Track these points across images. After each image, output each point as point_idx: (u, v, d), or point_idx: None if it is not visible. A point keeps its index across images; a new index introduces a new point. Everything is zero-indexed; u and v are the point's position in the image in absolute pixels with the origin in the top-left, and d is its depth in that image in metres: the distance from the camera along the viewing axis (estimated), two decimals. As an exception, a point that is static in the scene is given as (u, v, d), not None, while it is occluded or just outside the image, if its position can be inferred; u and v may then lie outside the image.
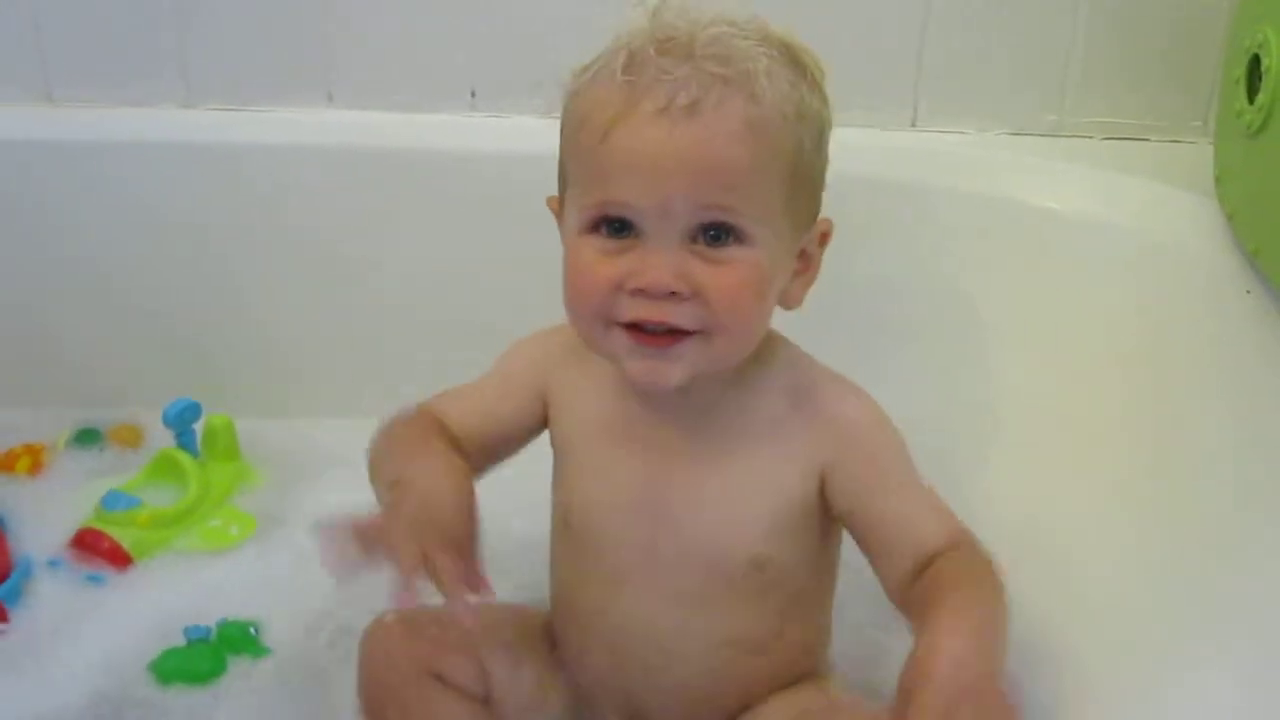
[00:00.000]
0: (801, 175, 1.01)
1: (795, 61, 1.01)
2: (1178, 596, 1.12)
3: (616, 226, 0.99)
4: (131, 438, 1.72)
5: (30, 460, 1.67)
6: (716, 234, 0.98)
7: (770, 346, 1.10)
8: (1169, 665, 1.05)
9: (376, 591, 1.33)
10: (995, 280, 1.55)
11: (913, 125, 1.71)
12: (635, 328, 0.99)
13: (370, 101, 1.75)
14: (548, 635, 1.22)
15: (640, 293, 0.98)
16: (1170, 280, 1.41)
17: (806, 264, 1.07)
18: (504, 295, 1.57)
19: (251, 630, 1.38)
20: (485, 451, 1.15)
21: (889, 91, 1.69)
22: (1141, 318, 1.40)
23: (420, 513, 1.00)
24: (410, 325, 1.76)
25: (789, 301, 1.07)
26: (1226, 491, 1.16)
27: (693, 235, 0.97)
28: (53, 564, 1.47)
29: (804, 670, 1.17)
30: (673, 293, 0.97)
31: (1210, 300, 1.35)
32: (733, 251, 0.98)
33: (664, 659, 1.13)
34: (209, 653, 1.34)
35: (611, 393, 1.11)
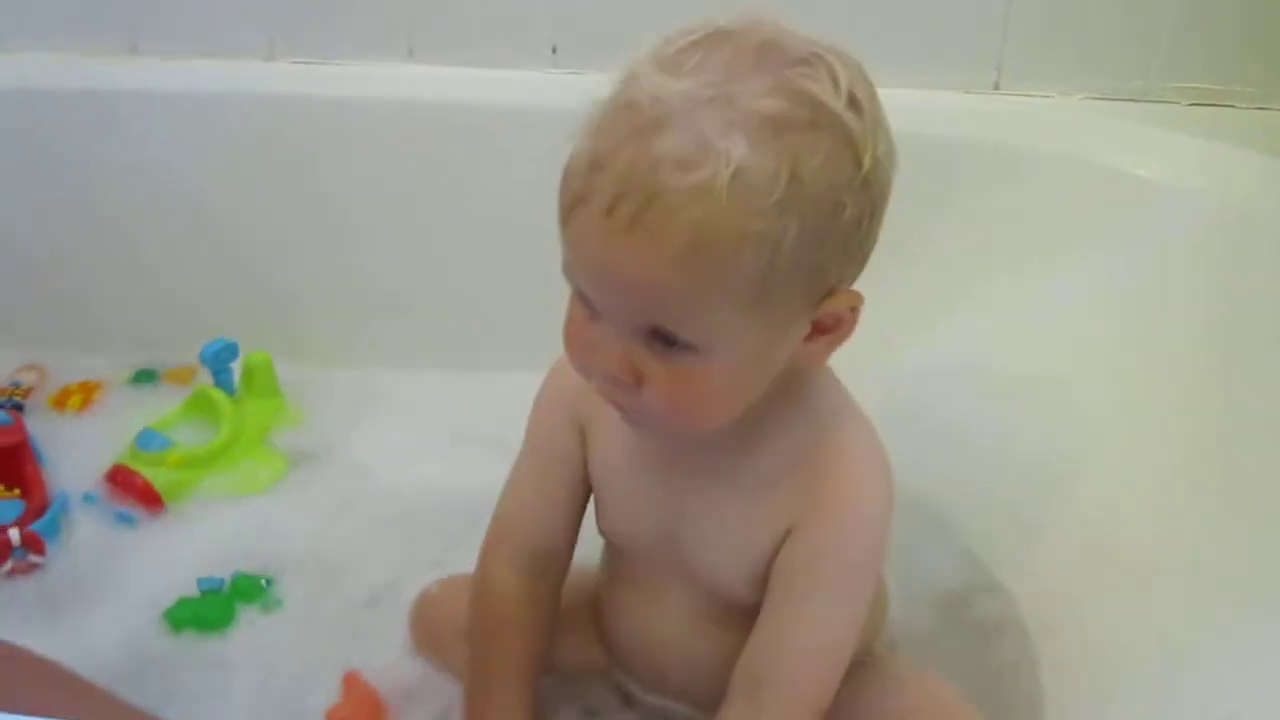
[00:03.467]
0: (781, 273, 0.89)
1: (807, 129, 0.88)
2: (1249, 577, 1.11)
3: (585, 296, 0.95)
4: (185, 377, 1.75)
5: (82, 398, 1.71)
6: (666, 337, 0.92)
7: (799, 392, 1.04)
8: (1233, 648, 1.05)
9: (393, 552, 1.41)
10: (1076, 245, 1.54)
11: (996, 88, 1.69)
12: None
13: (451, 57, 1.75)
14: (595, 600, 1.24)
15: (598, 371, 0.96)
16: (1254, 246, 1.39)
17: (836, 323, 0.97)
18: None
19: (264, 583, 1.40)
20: (572, 526, 1.18)
21: (972, 53, 1.68)
22: (1224, 284, 1.39)
23: None
24: (487, 280, 1.77)
25: (809, 361, 1.00)
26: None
27: (644, 332, 0.92)
28: (87, 498, 1.50)
29: None
30: (617, 380, 0.95)
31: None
32: (684, 356, 0.92)
33: (690, 659, 1.16)
34: (220, 602, 1.37)
35: (630, 430, 1.08)
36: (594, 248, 0.90)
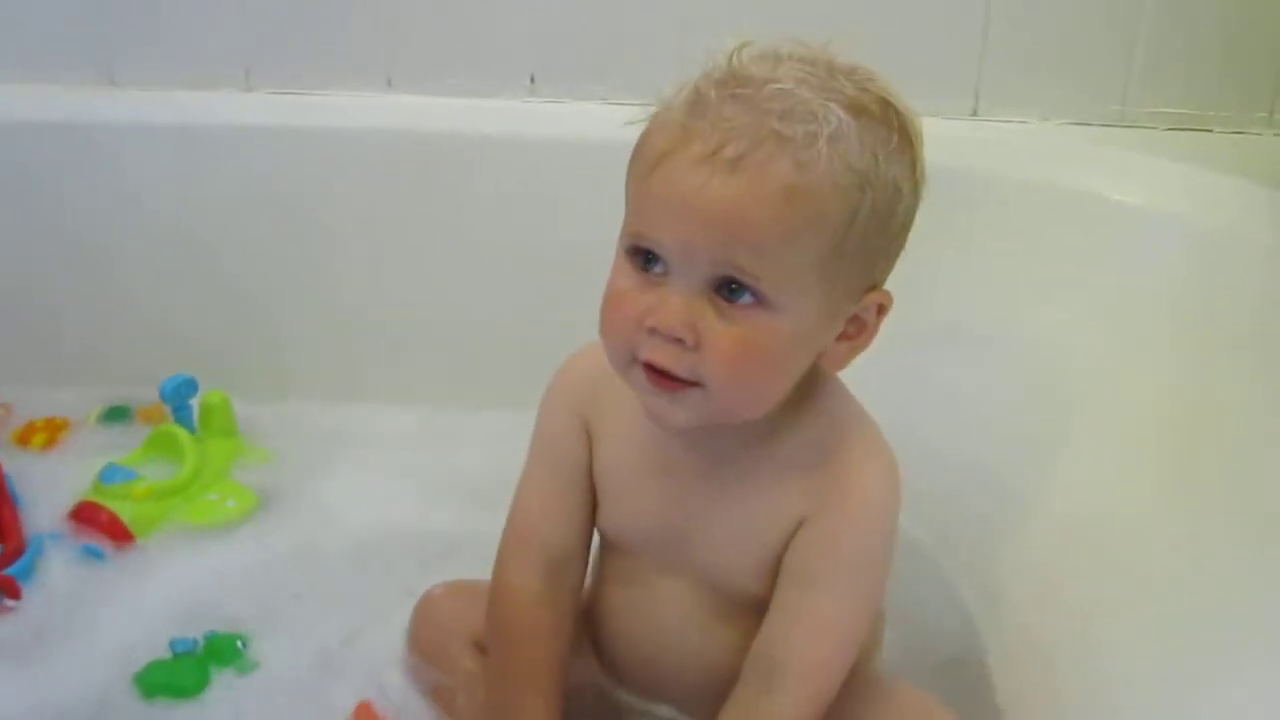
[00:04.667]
0: (852, 244, 0.96)
1: (885, 124, 0.98)
2: (1231, 589, 1.10)
3: (650, 258, 0.98)
4: (159, 416, 1.72)
5: (47, 435, 1.70)
6: (736, 289, 0.95)
7: (812, 394, 1.08)
8: (1219, 658, 1.04)
9: (376, 595, 1.38)
10: (1054, 270, 1.54)
11: (974, 114, 1.70)
12: (650, 365, 0.98)
13: (430, 86, 1.76)
14: (587, 610, 1.24)
15: (653, 332, 0.97)
16: (1232, 272, 1.39)
17: (860, 329, 1.03)
18: (560, 282, 1.57)
19: (239, 644, 1.35)
20: (586, 529, 1.19)
21: (950, 80, 1.69)
22: (1203, 309, 1.39)
23: None
24: (468, 312, 1.77)
25: (829, 363, 1.04)
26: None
27: (714, 285, 0.95)
28: (53, 537, 1.48)
29: None
30: (678, 339, 0.96)
31: (1275, 292, 1.33)
32: (750, 312, 0.96)
33: (688, 657, 1.16)
34: (194, 665, 1.32)
35: (644, 425, 1.09)
36: (688, 189, 0.93)
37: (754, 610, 1.10)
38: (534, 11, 1.70)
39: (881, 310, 1.03)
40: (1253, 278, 1.37)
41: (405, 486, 1.61)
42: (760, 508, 1.08)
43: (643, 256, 0.98)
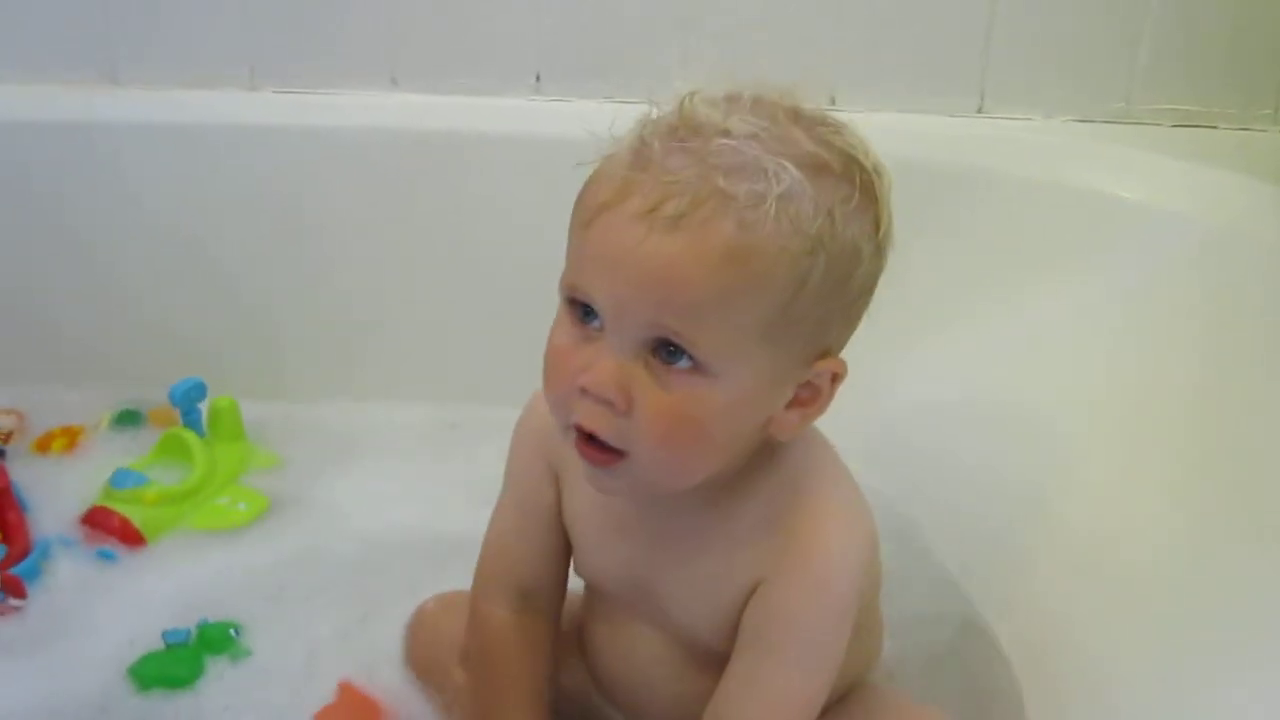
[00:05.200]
0: (801, 310, 0.91)
1: (843, 180, 0.92)
2: (1243, 594, 1.10)
3: (587, 311, 0.93)
4: (171, 419, 1.71)
5: (66, 441, 1.69)
6: (673, 352, 0.90)
7: (768, 460, 1.03)
8: (1222, 659, 1.04)
9: (379, 594, 1.37)
10: (1059, 268, 1.54)
11: (979, 111, 1.70)
12: (582, 432, 0.94)
13: (434, 85, 1.76)
14: (580, 628, 1.23)
15: (585, 392, 0.92)
16: (1238, 269, 1.39)
17: (814, 396, 0.98)
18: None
19: (232, 632, 1.35)
20: (558, 567, 1.17)
21: (955, 77, 1.68)
22: (1208, 307, 1.39)
23: None
24: (473, 310, 1.77)
25: (779, 432, 0.99)
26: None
27: (650, 346, 0.91)
28: (65, 542, 1.48)
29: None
30: (608, 401, 0.91)
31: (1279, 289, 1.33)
32: (685, 378, 0.91)
33: (667, 699, 1.14)
34: (187, 656, 1.32)
35: None
36: (623, 245, 0.88)
37: (725, 661, 1.07)
38: (539, 10, 1.70)
39: (835, 379, 0.98)
40: (1258, 275, 1.36)
41: (411, 488, 1.61)
42: (720, 569, 1.04)
43: (580, 309, 0.94)
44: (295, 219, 1.76)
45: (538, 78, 1.74)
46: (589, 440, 0.94)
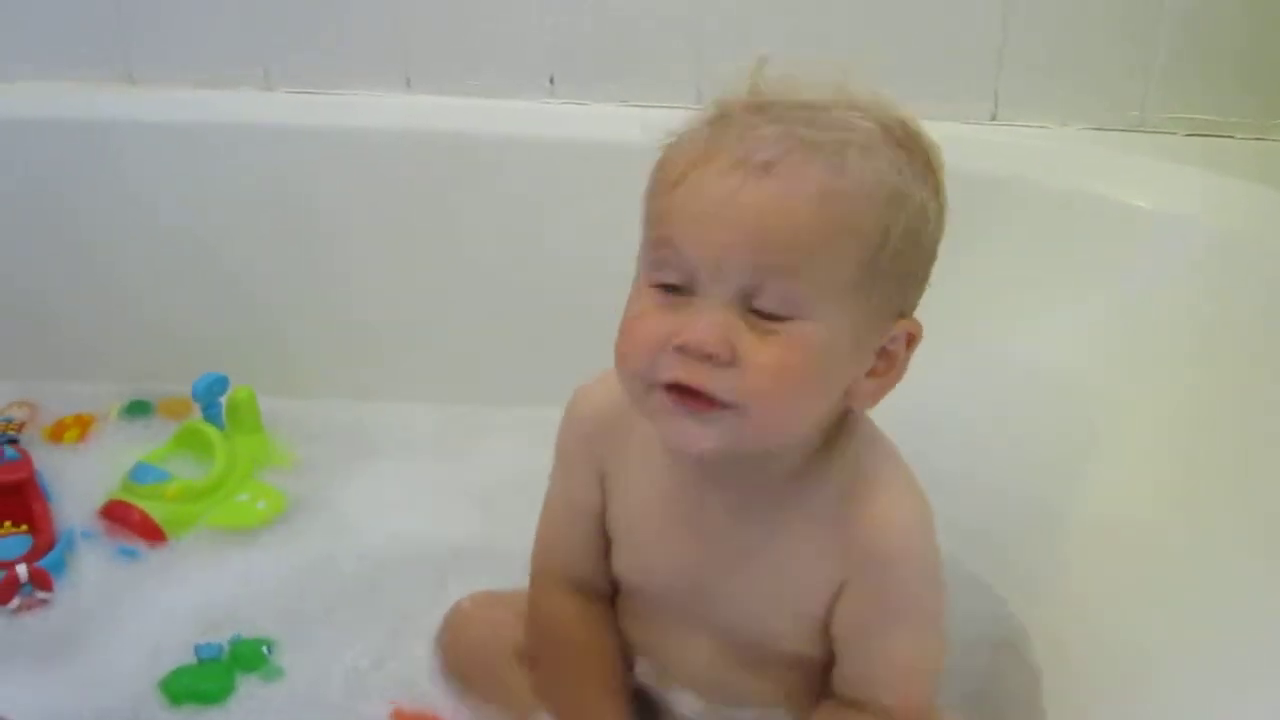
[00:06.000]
0: (884, 263, 0.94)
1: (907, 147, 0.96)
2: (1247, 596, 1.10)
3: (674, 285, 0.94)
4: (181, 409, 1.73)
5: (79, 431, 1.70)
6: (770, 303, 0.92)
7: (841, 435, 1.04)
8: (1236, 666, 1.04)
9: (403, 604, 1.37)
10: (1073, 276, 1.53)
11: (993, 119, 1.69)
12: (674, 387, 0.93)
13: (448, 86, 1.76)
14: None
15: (682, 350, 0.92)
16: (1252, 277, 1.39)
17: (889, 364, 1.00)
18: (579, 282, 1.58)
19: (265, 650, 1.34)
20: (602, 563, 1.17)
21: (969, 84, 1.68)
22: (1222, 315, 1.38)
23: None
24: (486, 311, 1.77)
25: (857, 400, 1.01)
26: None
27: (746, 299, 0.92)
28: (85, 535, 1.49)
29: None
30: (711, 355, 0.91)
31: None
32: (786, 325, 0.92)
33: (716, 687, 1.14)
34: (219, 672, 1.31)
35: (663, 468, 1.08)
36: (718, 197, 0.91)
37: (784, 660, 1.09)
38: (553, 12, 1.70)
39: (911, 341, 1.00)
40: (1272, 284, 1.36)
41: (423, 490, 1.61)
42: (793, 570, 1.05)
43: (667, 281, 0.94)
44: (308, 219, 1.76)
45: (551, 80, 1.74)
46: (683, 391, 0.94)
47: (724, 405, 0.93)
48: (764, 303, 0.92)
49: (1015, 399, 1.50)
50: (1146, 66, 1.65)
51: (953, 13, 1.66)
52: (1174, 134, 1.67)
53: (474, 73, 1.75)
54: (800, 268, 0.91)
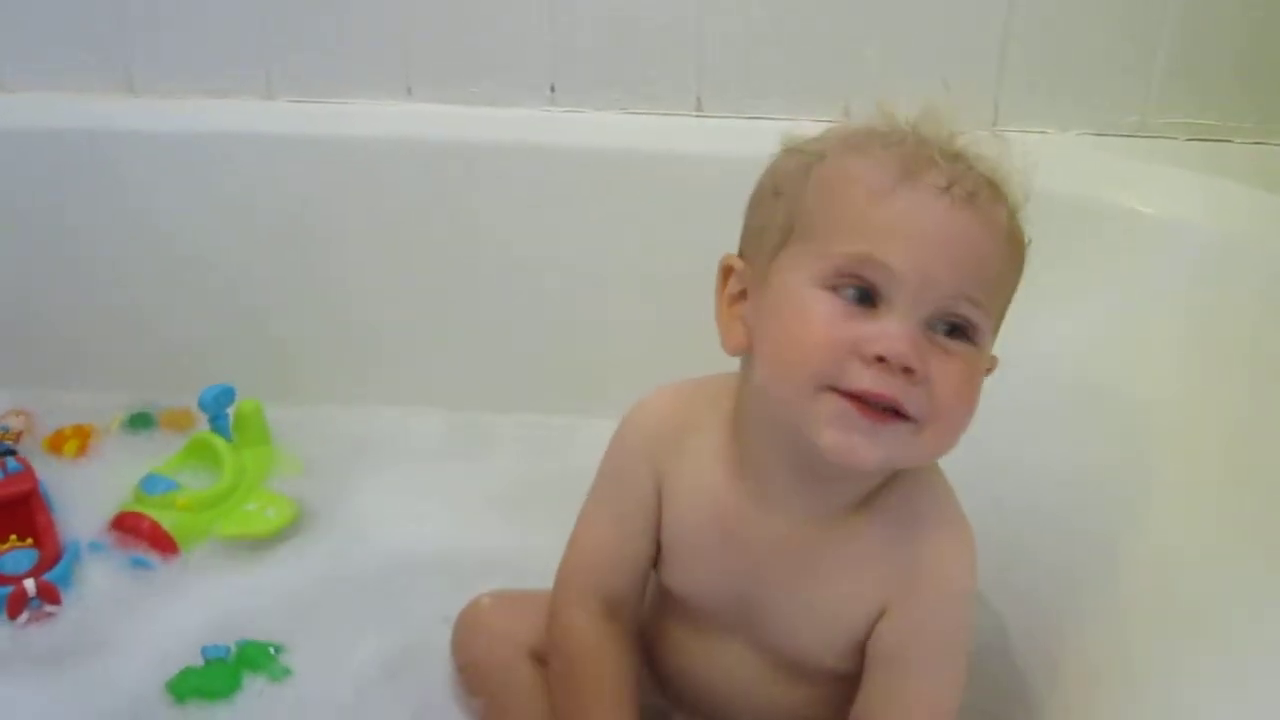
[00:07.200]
0: (1012, 294, 1.01)
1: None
2: (1269, 607, 1.10)
3: (860, 292, 0.94)
4: (183, 422, 1.73)
5: (78, 442, 1.70)
6: (954, 325, 0.95)
7: (904, 471, 1.06)
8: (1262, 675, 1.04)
9: (412, 610, 1.37)
10: (1074, 281, 1.53)
11: (993, 124, 1.70)
12: (857, 397, 0.93)
13: (450, 95, 1.76)
14: (643, 630, 1.22)
15: (879, 361, 0.92)
16: (1252, 282, 1.39)
17: None
18: (582, 289, 1.57)
19: (272, 650, 1.35)
20: (643, 578, 1.18)
21: (970, 89, 1.68)
22: (1223, 320, 1.38)
23: None
24: (489, 319, 1.77)
25: None
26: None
27: (932, 321, 0.94)
28: (94, 546, 1.48)
29: None
30: (908, 370, 0.92)
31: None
32: (962, 349, 0.95)
33: (756, 706, 1.15)
34: (225, 671, 1.32)
35: (723, 487, 1.08)
36: (933, 219, 0.93)
37: (825, 676, 1.10)
38: (554, 20, 1.70)
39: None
40: (1273, 287, 1.36)
41: (429, 498, 1.61)
42: (841, 591, 1.06)
43: (855, 287, 0.94)
44: (309, 227, 1.76)
45: (552, 88, 1.74)
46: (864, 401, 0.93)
47: (905, 419, 0.94)
48: (948, 325, 0.95)
49: (1014, 403, 1.50)
50: (1147, 72, 1.66)
51: (953, 20, 1.66)
52: (1174, 139, 1.67)
53: (475, 81, 1.75)
54: (991, 300, 0.96)
